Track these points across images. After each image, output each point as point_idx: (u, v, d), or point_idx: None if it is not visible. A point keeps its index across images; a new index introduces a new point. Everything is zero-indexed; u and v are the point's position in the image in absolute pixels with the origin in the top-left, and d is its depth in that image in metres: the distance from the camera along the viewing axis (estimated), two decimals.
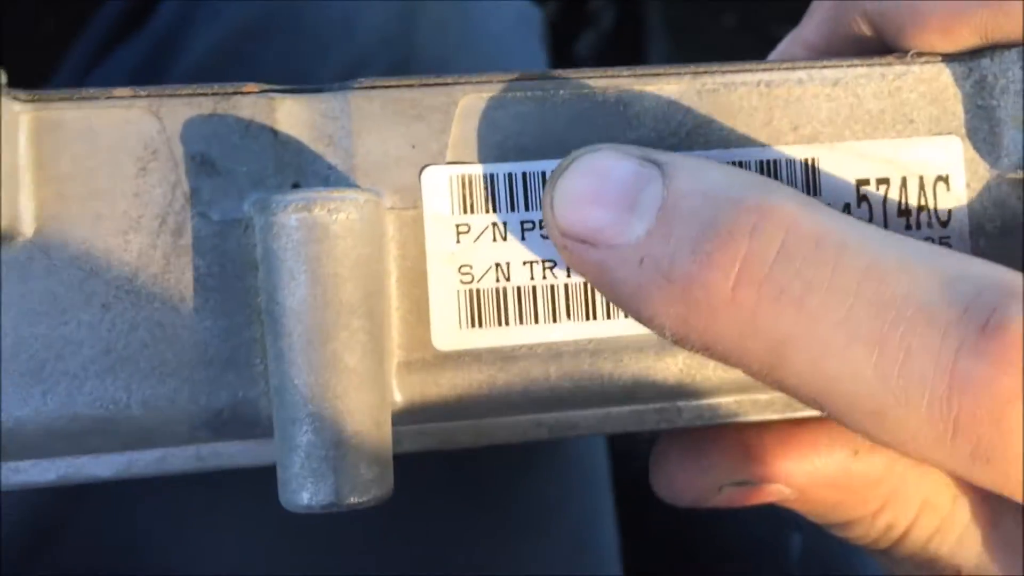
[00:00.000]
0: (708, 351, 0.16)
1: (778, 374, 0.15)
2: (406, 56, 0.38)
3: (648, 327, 0.16)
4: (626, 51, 0.81)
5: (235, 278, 0.17)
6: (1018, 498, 0.14)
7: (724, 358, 0.16)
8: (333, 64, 0.37)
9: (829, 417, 0.16)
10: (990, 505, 0.20)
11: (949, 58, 0.19)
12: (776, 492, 0.20)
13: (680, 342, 0.16)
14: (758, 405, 0.20)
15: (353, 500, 0.16)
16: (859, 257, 0.15)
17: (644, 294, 0.16)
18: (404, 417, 0.18)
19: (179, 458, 0.18)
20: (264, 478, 0.19)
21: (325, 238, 0.16)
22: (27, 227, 0.17)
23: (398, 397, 0.18)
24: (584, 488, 0.36)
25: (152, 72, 0.40)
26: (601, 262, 0.16)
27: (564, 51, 0.81)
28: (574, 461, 0.36)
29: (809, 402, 0.15)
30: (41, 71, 0.47)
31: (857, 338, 0.14)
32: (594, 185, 0.16)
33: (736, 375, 0.19)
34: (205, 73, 0.38)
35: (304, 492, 0.16)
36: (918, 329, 0.14)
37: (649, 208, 0.16)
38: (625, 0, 0.82)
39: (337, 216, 0.16)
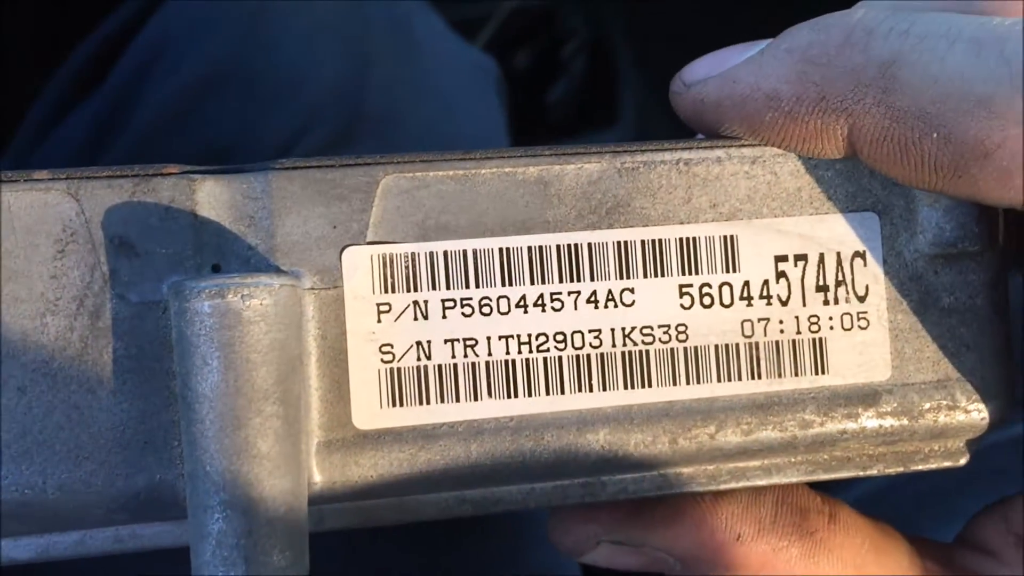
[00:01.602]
0: (824, 102, 0.18)
1: (893, 96, 0.17)
2: (357, 111, 0.38)
3: (763, 122, 0.18)
4: (599, 97, 0.82)
5: (153, 360, 0.17)
6: None
7: (840, 101, 0.17)
8: (284, 119, 0.37)
9: (942, 143, 0.17)
10: None
11: None
12: (659, 560, 0.20)
13: (795, 109, 0.18)
14: (682, 479, 0.20)
15: None
16: None
17: (765, 73, 0.18)
18: (325, 496, 0.18)
19: (98, 540, 0.18)
20: None
21: (237, 324, 0.16)
22: None
23: (318, 477, 0.18)
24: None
25: (109, 128, 0.40)
26: (722, 76, 0.19)
27: (536, 99, 0.82)
28: (536, 520, 0.36)
29: (923, 121, 0.17)
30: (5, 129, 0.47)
31: (959, 40, 0.16)
32: (716, 53, 0.20)
33: (658, 450, 0.19)
34: (159, 129, 0.38)
35: None
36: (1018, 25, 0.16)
37: (768, 41, 0.19)
38: (597, 47, 0.83)
39: (250, 302, 0.16)
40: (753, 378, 0.19)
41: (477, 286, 0.18)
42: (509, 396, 0.18)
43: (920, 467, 0.21)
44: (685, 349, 0.19)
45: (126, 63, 0.42)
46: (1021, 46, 0.16)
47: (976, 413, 0.20)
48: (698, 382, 0.19)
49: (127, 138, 0.39)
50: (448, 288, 0.18)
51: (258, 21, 0.40)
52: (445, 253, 0.18)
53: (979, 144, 0.16)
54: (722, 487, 0.20)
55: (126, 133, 0.39)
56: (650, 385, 0.19)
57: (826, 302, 0.19)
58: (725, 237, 0.19)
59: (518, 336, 0.18)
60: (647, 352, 0.19)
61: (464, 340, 0.18)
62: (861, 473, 0.20)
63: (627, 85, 0.83)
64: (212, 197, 0.18)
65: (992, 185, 0.16)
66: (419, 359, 0.18)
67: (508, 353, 0.18)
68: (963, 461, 0.21)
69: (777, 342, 0.19)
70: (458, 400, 0.18)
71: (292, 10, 0.40)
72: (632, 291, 0.19)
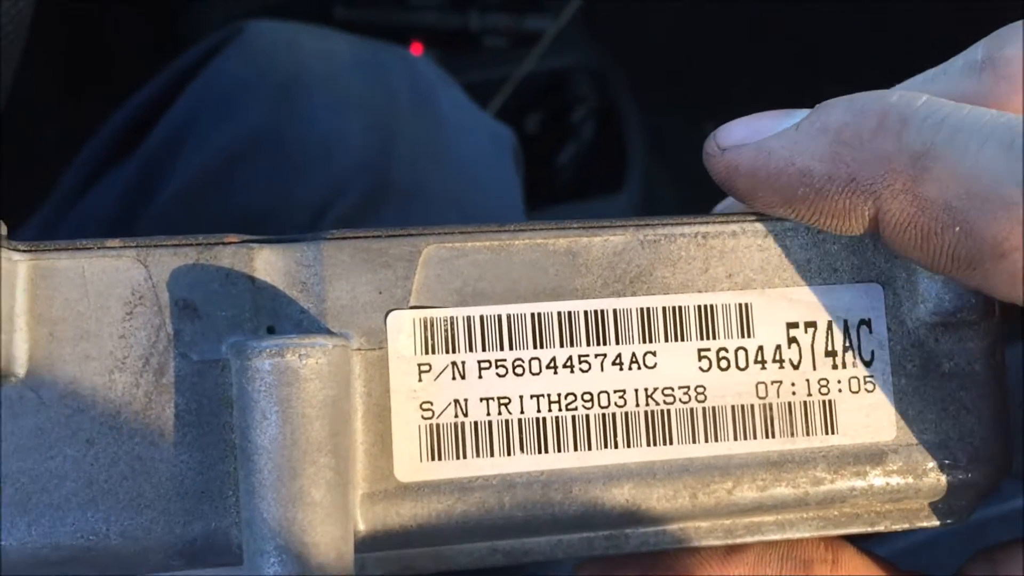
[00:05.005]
0: (854, 183, 0.18)
1: (922, 186, 0.18)
2: (383, 181, 0.40)
3: (795, 196, 0.19)
4: (606, 162, 0.84)
5: (211, 415, 0.19)
6: None
7: (870, 184, 0.18)
8: (314, 188, 0.39)
9: (962, 236, 0.17)
10: None
11: None
12: None
13: (826, 187, 0.19)
14: (700, 532, 0.21)
15: None
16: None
17: (799, 149, 0.19)
18: (367, 544, 0.19)
19: None
20: None
21: (295, 381, 0.17)
22: (20, 367, 0.18)
23: (361, 526, 0.19)
24: None
25: (141, 193, 0.42)
26: (757, 145, 0.19)
27: (546, 162, 0.84)
28: None
29: (948, 214, 0.17)
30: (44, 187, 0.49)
31: (991, 139, 0.17)
32: (753, 118, 0.20)
33: (679, 504, 0.20)
34: (191, 195, 0.40)
35: None
36: None
37: (803, 112, 0.20)
38: (605, 113, 0.86)
39: (307, 361, 0.18)
40: (768, 437, 0.20)
41: (511, 348, 0.20)
42: (540, 451, 0.20)
43: (925, 524, 0.22)
44: (704, 409, 0.20)
45: (159, 132, 0.44)
46: None
47: (976, 472, 0.21)
48: (716, 440, 0.20)
49: (159, 205, 0.41)
50: (484, 350, 0.20)
51: (288, 93, 0.42)
52: (481, 317, 0.20)
53: (997, 244, 0.17)
54: (738, 541, 0.21)
55: (158, 200, 0.41)
56: (671, 443, 0.20)
57: (835, 366, 0.21)
58: (740, 305, 0.20)
59: (548, 395, 0.20)
60: (668, 411, 0.20)
61: (499, 399, 0.20)
62: (869, 529, 0.22)
63: (634, 151, 0.85)
64: (268, 264, 0.19)
65: (1001, 282, 0.17)
66: (457, 416, 0.19)
67: (539, 411, 0.20)
68: (966, 518, 0.22)
69: (790, 403, 0.20)
70: (492, 455, 0.19)
71: (321, 83, 0.42)
72: (654, 354, 0.20)
